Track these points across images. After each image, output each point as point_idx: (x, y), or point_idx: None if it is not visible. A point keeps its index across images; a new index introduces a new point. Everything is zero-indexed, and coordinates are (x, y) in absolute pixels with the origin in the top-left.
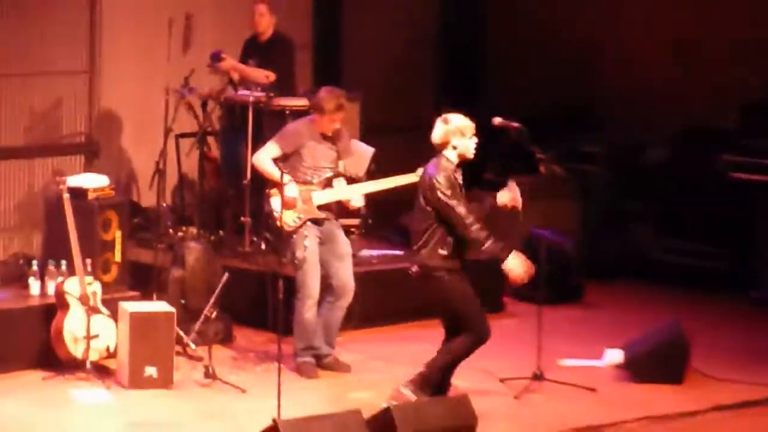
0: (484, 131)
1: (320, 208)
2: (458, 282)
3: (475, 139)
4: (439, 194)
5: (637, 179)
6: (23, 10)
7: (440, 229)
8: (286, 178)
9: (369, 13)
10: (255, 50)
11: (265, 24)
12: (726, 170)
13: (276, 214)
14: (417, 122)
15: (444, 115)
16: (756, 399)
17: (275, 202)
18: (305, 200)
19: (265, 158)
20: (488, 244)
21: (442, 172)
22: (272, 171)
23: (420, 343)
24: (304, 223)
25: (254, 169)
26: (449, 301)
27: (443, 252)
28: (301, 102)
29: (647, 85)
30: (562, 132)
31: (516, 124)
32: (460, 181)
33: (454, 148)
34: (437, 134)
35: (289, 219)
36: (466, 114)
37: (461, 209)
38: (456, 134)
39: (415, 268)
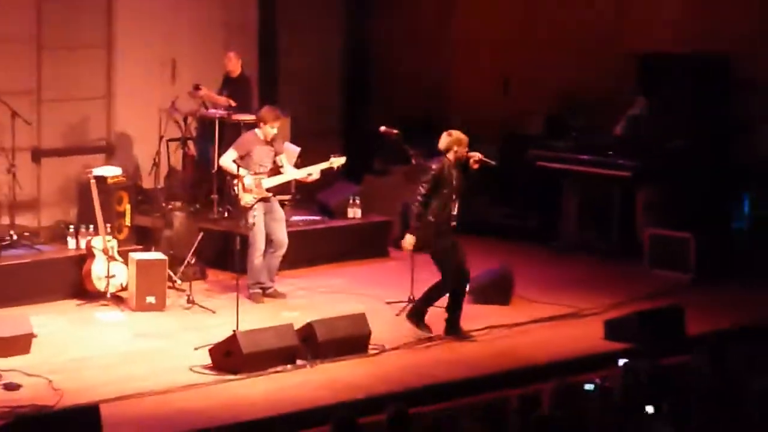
0: (373, 135)
1: (267, 190)
2: (442, 241)
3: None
4: (423, 179)
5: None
6: (64, 50)
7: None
8: (243, 171)
9: (297, 56)
10: (228, 84)
11: (233, 65)
12: (535, 160)
13: (239, 197)
14: (328, 129)
15: (449, 130)
16: (559, 314)
17: (239, 189)
18: (257, 185)
19: (227, 159)
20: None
21: (437, 166)
22: (232, 168)
23: (333, 279)
24: (257, 201)
25: (220, 166)
26: (433, 254)
27: (431, 219)
28: (251, 117)
29: (481, 102)
30: (424, 136)
31: (395, 131)
32: (455, 173)
33: (455, 152)
34: (443, 142)
35: (248, 199)
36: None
37: (421, 190)
38: (456, 143)
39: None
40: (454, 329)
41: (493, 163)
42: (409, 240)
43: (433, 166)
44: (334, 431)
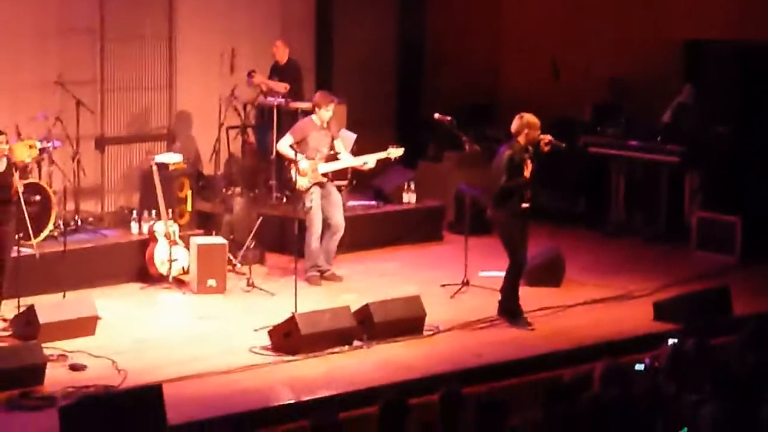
0: (427, 122)
1: (322, 175)
2: (514, 226)
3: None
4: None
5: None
6: (127, 42)
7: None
8: (299, 156)
9: (352, 46)
10: (276, 71)
11: (281, 54)
12: (585, 146)
13: (294, 180)
14: (383, 116)
15: (521, 113)
16: (609, 296)
17: (293, 173)
18: (313, 170)
19: (284, 144)
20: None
21: (509, 151)
22: (289, 153)
23: (388, 262)
24: (312, 185)
25: (278, 152)
26: (503, 238)
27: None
28: (308, 105)
29: (531, 90)
30: (476, 122)
31: (448, 118)
32: (526, 156)
33: (526, 135)
34: (514, 125)
35: (303, 183)
36: (415, 110)
37: (501, 181)
38: (527, 126)
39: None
40: (509, 316)
41: (563, 144)
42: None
43: (506, 152)
44: (383, 413)
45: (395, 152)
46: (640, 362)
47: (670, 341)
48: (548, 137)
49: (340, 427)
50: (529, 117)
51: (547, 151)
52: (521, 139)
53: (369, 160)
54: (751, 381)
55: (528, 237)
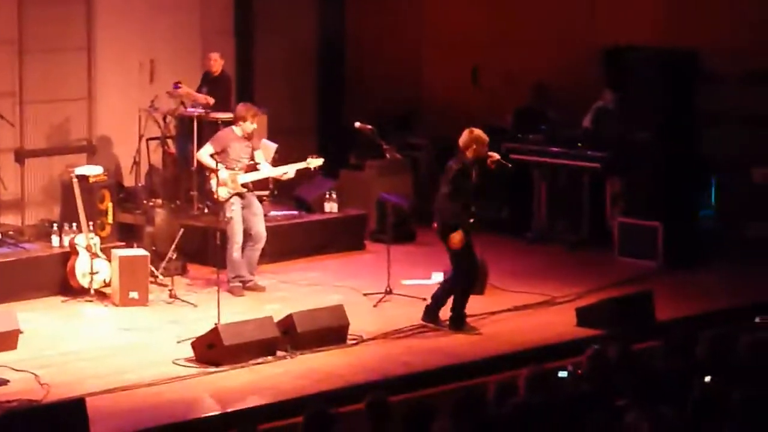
0: (348, 130)
1: (243, 185)
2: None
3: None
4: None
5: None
6: (46, 53)
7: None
8: (220, 166)
9: (273, 55)
10: (208, 82)
11: (216, 66)
12: (507, 153)
13: (214, 190)
14: (304, 125)
15: (471, 128)
16: (532, 302)
17: (213, 183)
18: (233, 180)
19: (204, 154)
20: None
21: (456, 165)
22: (209, 163)
23: (311, 271)
24: (232, 196)
25: (198, 162)
26: (451, 251)
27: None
28: (228, 115)
29: (453, 97)
30: (397, 130)
31: (369, 126)
32: (473, 172)
33: (474, 150)
34: (463, 139)
35: (222, 193)
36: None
37: (444, 191)
38: (475, 141)
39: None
40: (457, 324)
41: (509, 165)
42: (457, 237)
43: (453, 166)
44: (307, 423)
45: (314, 162)
46: (563, 369)
47: (593, 348)
48: (496, 156)
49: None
50: (479, 133)
51: (492, 169)
52: (469, 154)
53: (289, 171)
54: (675, 386)
55: (474, 247)
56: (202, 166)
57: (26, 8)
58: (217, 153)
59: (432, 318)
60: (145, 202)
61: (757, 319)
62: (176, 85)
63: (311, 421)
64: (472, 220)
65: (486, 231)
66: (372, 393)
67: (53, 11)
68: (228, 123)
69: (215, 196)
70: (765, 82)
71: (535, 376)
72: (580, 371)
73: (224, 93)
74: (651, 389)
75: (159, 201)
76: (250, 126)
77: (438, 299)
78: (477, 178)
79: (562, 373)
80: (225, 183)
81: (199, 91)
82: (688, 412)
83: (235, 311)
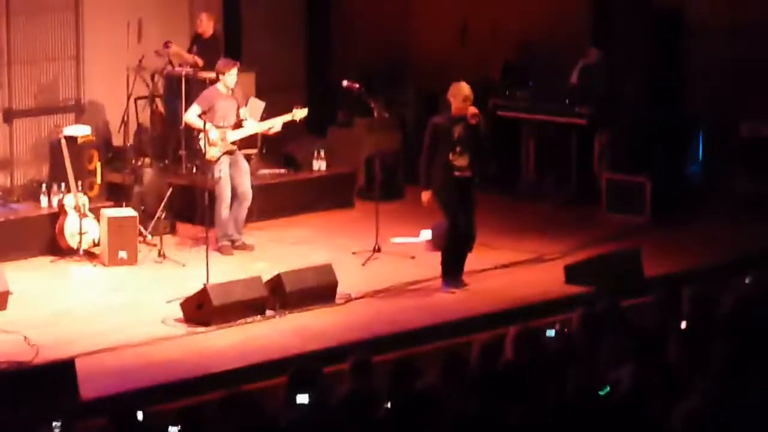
0: (336, 87)
1: (232, 143)
2: (443, 193)
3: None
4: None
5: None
6: (33, 13)
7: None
8: (209, 126)
9: (260, 11)
10: (198, 43)
11: (205, 27)
12: (495, 110)
13: (204, 150)
14: (292, 82)
15: (456, 82)
16: (521, 260)
17: (203, 143)
18: (222, 139)
19: (191, 115)
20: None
21: (435, 120)
22: (197, 123)
23: (298, 229)
24: (222, 155)
25: (186, 123)
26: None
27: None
28: (214, 74)
29: (441, 53)
30: (386, 86)
31: (357, 85)
32: (455, 126)
33: (454, 104)
34: (449, 92)
35: (213, 152)
36: (323, 75)
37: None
38: (452, 95)
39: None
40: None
41: (485, 120)
42: (424, 196)
43: (433, 120)
44: (292, 382)
45: (300, 113)
46: (551, 328)
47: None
48: (474, 110)
49: None
50: (455, 87)
51: (473, 124)
52: (452, 108)
53: (275, 124)
54: (665, 341)
55: (471, 205)
56: (189, 127)
57: None
58: (204, 113)
59: (448, 282)
60: (133, 161)
61: (747, 280)
62: (166, 45)
63: (295, 379)
64: (463, 174)
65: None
66: (356, 353)
67: None
68: (214, 81)
69: (206, 156)
70: (750, 34)
71: (521, 334)
72: (567, 330)
73: (214, 54)
74: (638, 346)
75: (147, 160)
76: (230, 79)
77: (442, 254)
78: (462, 132)
79: (550, 333)
80: (215, 143)
81: (189, 51)
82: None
83: (224, 270)
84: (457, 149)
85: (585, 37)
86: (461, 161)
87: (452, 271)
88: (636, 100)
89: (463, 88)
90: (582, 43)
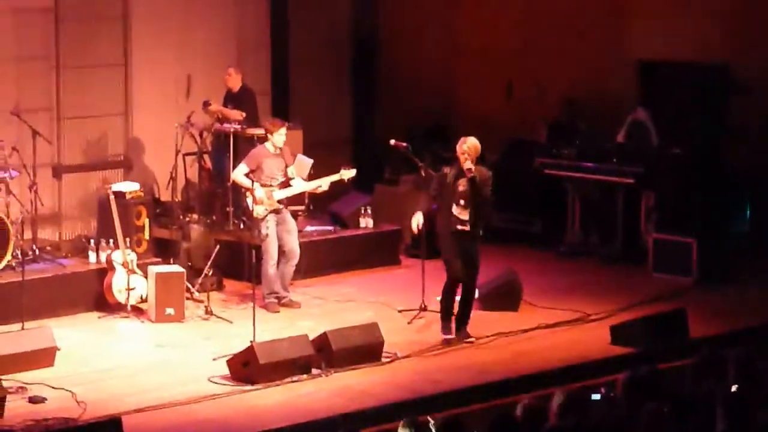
0: (383, 144)
1: (278, 201)
2: (442, 245)
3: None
4: None
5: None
6: (82, 69)
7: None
8: (256, 185)
9: (306, 66)
10: (231, 99)
11: (233, 82)
12: (542, 168)
13: (250, 208)
14: (339, 139)
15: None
16: (566, 319)
17: (249, 201)
18: (269, 197)
19: (239, 174)
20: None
21: (445, 169)
22: (245, 182)
23: (345, 287)
24: (269, 213)
25: (233, 181)
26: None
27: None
28: (262, 131)
29: (486, 111)
30: (430, 143)
31: (404, 144)
32: (459, 178)
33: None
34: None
35: (259, 211)
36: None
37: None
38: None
39: None
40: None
41: (471, 176)
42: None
43: (443, 170)
44: None
45: (347, 174)
46: (596, 392)
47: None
48: (467, 165)
49: None
50: (461, 141)
51: (470, 178)
52: (459, 162)
53: (322, 183)
54: (705, 406)
55: (472, 256)
56: (237, 185)
57: (63, 24)
58: (251, 171)
59: (442, 327)
60: (181, 217)
61: None
62: (206, 104)
63: None
64: (464, 228)
65: (519, 245)
66: (405, 413)
67: (90, 27)
68: (264, 138)
69: (252, 214)
70: None
71: (567, 398)
72: (613, 394)
73: (249, 107)
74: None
75: (195, 216)
76: (279, 138)
77: (443, 310)
78: (466, 187)
79: (595, 396)
80: (261, 201)
81: (224, 106)
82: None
83: (270, 327)
84: (461, 202)
85: (631, 95)
86: (464, 214)
87: (446, 318)
88: (683, 159)
89: (460, 143)
90: (628, 101)
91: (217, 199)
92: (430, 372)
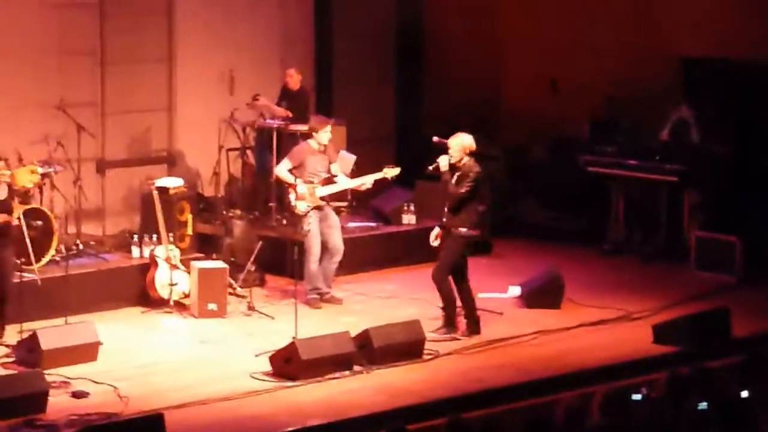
0: (425, 140)
1: (320, 198)
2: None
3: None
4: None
5: (524, 170)
6: (127, 65)
7: None
8: (298, 181)
9: (352, 64)
10: (287, 97)
11: (294, 82)
12: (586, 165)
13: (293, 204)
14: (382, 135)
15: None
16: (609, 318)
17: (292, 197)
18: (311, 194)
19: (282, 169)
20: None
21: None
22: (288, 178)
23: (387, 283)
24: (311, 209)
25: (276, 177)
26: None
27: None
28: (305, 127)
29: (530, 108)
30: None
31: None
32: (448, 176)
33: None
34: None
35: (301, 207)
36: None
37: None
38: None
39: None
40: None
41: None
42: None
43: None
44: None
45: (391, 172)
46: (637, 392)
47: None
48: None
49: None
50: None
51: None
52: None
53: (366, 181)
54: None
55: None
56: (280, 181)
57: (108, 20)
58: (294, 168)
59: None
60: (224, 212)
61: None
62: (255, 98)
63: None
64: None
65: (561, 241)
66: (448, 411)
67: (134, 22)
68: (307, 135)
69: (295, 210)
70: None
71: (609, 398)
72: (654, 394)
73: (303, 107)
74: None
75: (238, 212)
76: (324, 136)
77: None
78: (448, 183)
79: (636, 396)
80: (303, 197)
81: (278, 104)
82: None
83: (312, 323)
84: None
85: (675, 93)
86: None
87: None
88: (727, 157)
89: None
90: (671, 99)
91: (260, 195)
92: (472, 370)
